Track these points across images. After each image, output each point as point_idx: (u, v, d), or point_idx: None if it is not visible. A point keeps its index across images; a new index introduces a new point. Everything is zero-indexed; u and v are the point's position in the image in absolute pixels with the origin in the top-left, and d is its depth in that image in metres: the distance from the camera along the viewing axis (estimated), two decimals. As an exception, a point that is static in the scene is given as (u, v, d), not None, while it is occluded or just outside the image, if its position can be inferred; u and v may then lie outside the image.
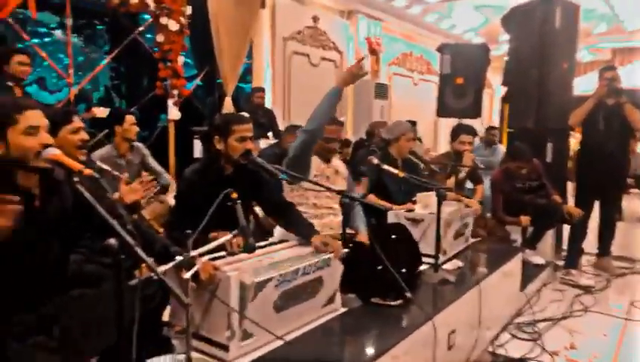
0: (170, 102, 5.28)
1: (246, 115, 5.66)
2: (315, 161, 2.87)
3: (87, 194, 1.42)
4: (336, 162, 3.03)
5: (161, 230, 3.44)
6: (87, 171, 1.43)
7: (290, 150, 2.69)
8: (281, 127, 6.36)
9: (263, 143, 5.21)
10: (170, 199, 3.59)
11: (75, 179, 1.48)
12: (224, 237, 1.81)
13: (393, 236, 2.55)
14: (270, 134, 5.97)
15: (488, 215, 4.34)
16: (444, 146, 10.47)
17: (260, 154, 4.12)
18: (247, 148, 2.25)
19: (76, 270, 2.09)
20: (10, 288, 1.53)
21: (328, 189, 2.40)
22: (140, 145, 3.88)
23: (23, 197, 1.47)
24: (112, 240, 1.38)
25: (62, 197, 1.59)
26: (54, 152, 1.48)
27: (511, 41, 5.07)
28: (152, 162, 3.89)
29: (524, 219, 4.07)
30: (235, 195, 1.85)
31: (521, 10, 4.82)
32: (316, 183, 2.39)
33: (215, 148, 2.25)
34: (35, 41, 5.05)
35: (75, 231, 1.69)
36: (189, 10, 5.17)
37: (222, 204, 1.82)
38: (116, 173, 3.16)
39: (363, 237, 2.52)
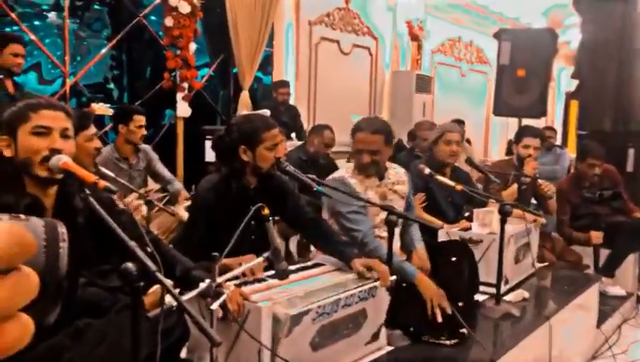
0: (179, 96, 5.35)
1: (267, 112, 5.69)
2: (360, 181, 2.65)
3: (101, 211, 1.44)
4: (395, 174, 2.80)
5: (170, 246, 3.50)
6: (103, 183, 1.45)
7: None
8: (306, 125, 6.39)
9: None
10: (181, 210, 3.63)
11: (88, 192, 1.50)
12: (254, 261, 1.81)
13: (453, 258, 2.52)
14: (293, 135, 6.00)
15: (555, 234, 4.27)
16: (496, 149, 10.37)
17: (285, 159, 4.15)
18: (277, 157, 2.26)
19: (78, 295, 2.13)
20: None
21: (372, 204, 2.38)
22: (146, 147, 3.93)
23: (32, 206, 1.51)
24: (130, 265, 1.39)
25: (73, 212, 1.62)
26: (66, 160, 1.51)
27: (584, 27, 5.01)
28: (161, 168, 3.94)
29: (595, 236, 4.00)
30: (266, 211, 1.86)
31: (598, -11, 4.76)
32: (358, 198, 2.38)
33: (240, 159, 2.25)
34: (25, 24, 5.17)
35: (87, 251, 1.72)
36: (202, -11, 5.24)
37: (247, 221, 1.83)
38: (123, 181, 3.24)
39: (420, 258, 2.48)
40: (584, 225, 4.13)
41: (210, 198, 2.26)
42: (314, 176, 2.38)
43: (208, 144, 5.51)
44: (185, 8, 5.04)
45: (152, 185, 4.09)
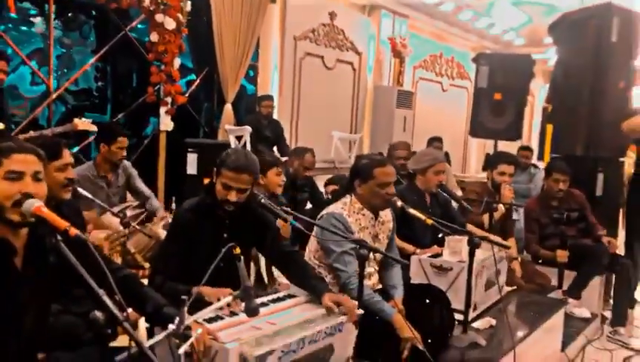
0: (162, 110, 5.33)
1: (248, 128, 5.64)
2: (356, 221, 2.67)
3: (72, 259, 1.45)
4: (385, 216, 2.83)
5: (147, 265, 3.50)
6: (74, 232, 1.46)
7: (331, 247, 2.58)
8: (288, 140, 6.40)
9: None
10: (159, 229, 3.62)
11: (59, 238, 1.51)
12: (223, 301, 1.82)
13: (427, 300, 2.56)
14: (275, 149, 6.01)
15: (524, 256, 4.34)
16: (474, 164, 10.46)
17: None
18: (229, 200, 2.25)
19: (52, 322, 2.13)
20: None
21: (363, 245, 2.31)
22: (126, 163, 3.92)
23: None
24: (98, 314, 1.43)
25: (45, 252, 1.63)
26: (39, 205, 1.51)
27: (559, 53, 5.08)
28: (140, 184, 3.94)
29: (561, 254, 4.07)
30: (238, 251, 1.87)
31: (573, 18, 4.82)
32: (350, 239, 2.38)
33: (214, 186, 2.30)
34: (6, 27, 5.11)
35: (56, 289, 1.73)
36: (188, 5, 5.23)
37: (220, 252, 1.84)
38: (99, 201, 3.23)
39: (397, 306, 2.52)
40: (551, 245, 4.21)
41: (189, 218, 2.33)
42: (288, 209, 2.41)
43: (190, 156, 5.50)
44: (170, 24, 5.02)
45: (130, 198, 4.08)
